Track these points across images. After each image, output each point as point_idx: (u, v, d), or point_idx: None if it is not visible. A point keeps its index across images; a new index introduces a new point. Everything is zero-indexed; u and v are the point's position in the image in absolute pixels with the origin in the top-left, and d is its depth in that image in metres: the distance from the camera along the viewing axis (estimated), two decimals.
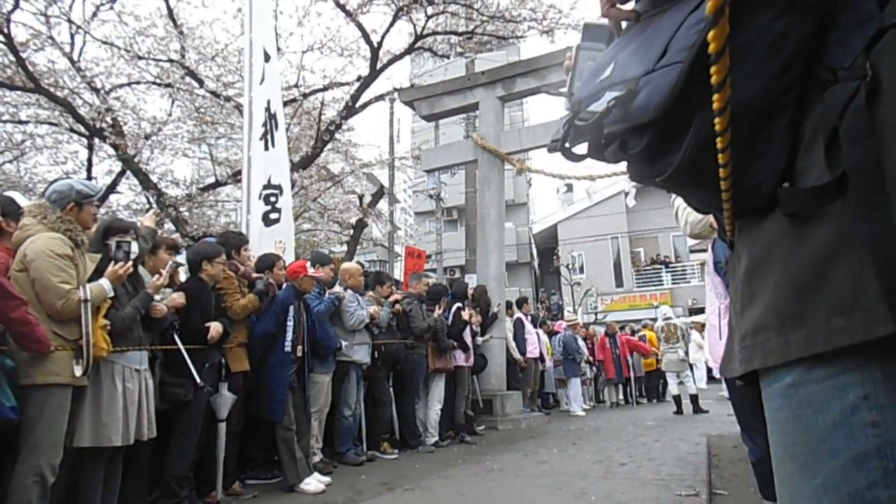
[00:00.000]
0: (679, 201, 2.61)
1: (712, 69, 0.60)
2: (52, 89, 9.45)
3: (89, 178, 10.85)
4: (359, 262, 7.36)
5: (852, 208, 0.61)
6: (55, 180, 10.23)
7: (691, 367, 11.64)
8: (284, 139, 7.25)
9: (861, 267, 0.60)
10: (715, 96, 0.62)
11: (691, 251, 22.57)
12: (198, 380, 3.83)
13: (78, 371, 2.97)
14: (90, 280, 3.15)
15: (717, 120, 0.64)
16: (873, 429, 0.59)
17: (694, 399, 9.95)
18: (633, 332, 13.97)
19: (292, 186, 10.24)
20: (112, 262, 3.27)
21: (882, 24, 0.63)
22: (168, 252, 3.99)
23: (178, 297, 3.85)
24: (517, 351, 9.50)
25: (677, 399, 10.02)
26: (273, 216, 6.56)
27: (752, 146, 0.71)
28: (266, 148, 6.72)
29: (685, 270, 23.95)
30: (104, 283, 3.16)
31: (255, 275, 4.83)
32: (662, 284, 24.01)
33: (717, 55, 0.61)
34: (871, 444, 0.59)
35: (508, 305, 9.60)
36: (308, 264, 5.07)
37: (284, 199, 6.72)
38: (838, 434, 0.62)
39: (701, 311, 12.65)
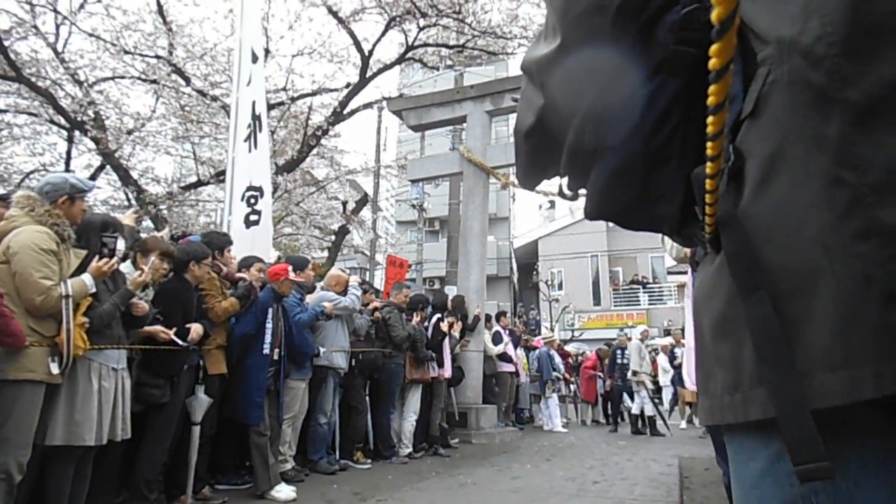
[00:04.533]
0: None
1: (711, 89, 0.59)
2: (33, 79, 9.28)
3: (67, 170, 10.65)
4: (340, 270, 7.31)
5: (734, 287, 0.63)
6: (32, 171, 9.98)
7: (660, 389, 11.77)
8: (267, 141, 7.22)
9: (741, 348, 0.62)
10: (710, 119, 0.61)
11: (669, 273, 22.87)
12: (179, 342, 3.80)
13: (55, 368, 2.90)
14: (73, 276, 3.10)
15: (709, 144, 0.63)
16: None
17: (635, 419, 10.13)
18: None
19: (276, 190, 10.19)
20: (97, 258, 3.22)
21: (741, 109, 0.65)
22: (161, 258, 3.90)
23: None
24: (496, 353, 9.55)
25: (651, 420, 10.04)
26: (253, 218, 6.52)
27: (647, 194, 0.77)
28: (250, 150, 6.69)
29: (662, 291, 24.23)
30: (86, 278, 3.10)
31: (238, 275, 4.79)
32: (639, 304, 24.25)
33: (718, 73, 0.58)
34: (796, 494, 0.59)
35: (487, 318, 9.61)
36: (290, 268, 5.04)
37: (264, 201, 6.69)
38: (766, 482, 0.62)
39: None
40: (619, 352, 10.89)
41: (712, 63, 0.57)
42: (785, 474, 0.59)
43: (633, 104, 0.72)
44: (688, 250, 2.89)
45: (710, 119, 0.60)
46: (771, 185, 0.60)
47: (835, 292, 0.54)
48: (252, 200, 6.57)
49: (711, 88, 0.59)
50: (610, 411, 11.69)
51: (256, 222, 6.54)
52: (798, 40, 0.58)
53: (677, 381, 10.59)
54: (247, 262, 4.91)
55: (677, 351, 10.77)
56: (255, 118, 6.82)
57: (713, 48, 0.57)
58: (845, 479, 0.57)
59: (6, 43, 8.74)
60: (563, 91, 0.79)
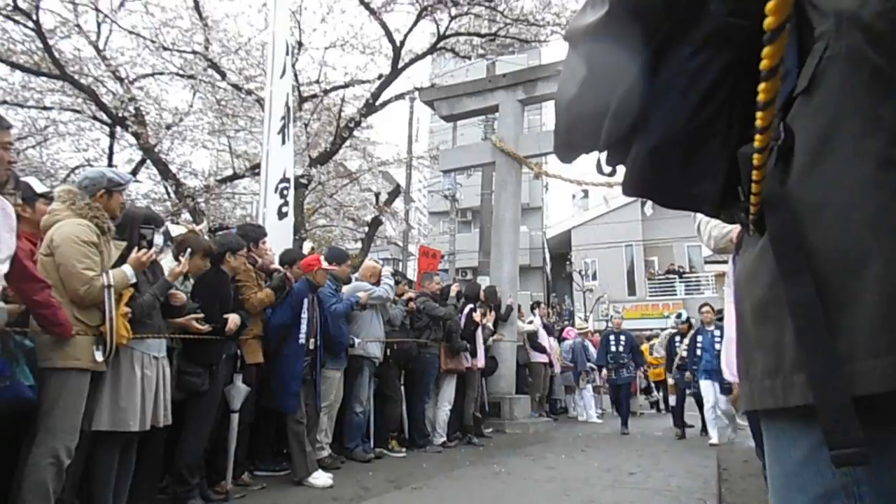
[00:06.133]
0: (700, 215, 2.60)
1: (765, 51, 0.56)
2: (76, 77, 9.54)
3: (110, 165, 10.94)
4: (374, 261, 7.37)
5: (777, 270, 0.61)
6: (77, 167, 10.28)
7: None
8: (293, 133, 7.34)
9: (782, 332, 0.60)
10: (762, 85, 0.58)
11: (706, 262, 22.38)
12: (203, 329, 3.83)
13: (99, 356, 3.00)
14: (114, 267, 3.18)
15: (759, 115, 0.60)
16: None
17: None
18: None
19: (310, 182, 10.31)
20: (135, 249, 3.30)
21: (794, 85, 0.62)
22: (203, 258, 3.96)
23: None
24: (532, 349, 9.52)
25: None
26: (284, 209, 6.63)
27: (688, 171, 0.74)
28: (283, 142, 6.78)
29: (699, 281, 23.75)
30: (126, 269, 3.18)
31: (273, 266, 4.87)
32: (675, 294, 23.82)
33: (773, 33, 0.55)
34: (837, 482, 0.58)
35: (519, 308, 9.59)
36: (322, 258, 5.10)
37: (291, 192, 6.82)
38: (808, 470, 0.61)
39: None
40: (611, 337, 9.35)
41: (768, 22, 0.55)
42: (828, 463, 0.58)
43: (679, 77, 0.70)
44: (734, 235, 2.81)
45: (761, 86, 0.58)
46: (821, 164, 0.58)
47: (882, 276, 0.53)
48: (285, 192, 6.68)
49: (765, 51, 0.56)
50: (616, 407, 10.15)
51: (287, 214, 6.66)
52: (858, 14, 0.56)
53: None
54: (289, 258, 4.98)
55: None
56: (288, 110, 6.93)
57: (770, 5, 0.54)
58: (888, 467, 0.56)
59: (51, 42, 9.00)
60: (608, 61, 0.76)
